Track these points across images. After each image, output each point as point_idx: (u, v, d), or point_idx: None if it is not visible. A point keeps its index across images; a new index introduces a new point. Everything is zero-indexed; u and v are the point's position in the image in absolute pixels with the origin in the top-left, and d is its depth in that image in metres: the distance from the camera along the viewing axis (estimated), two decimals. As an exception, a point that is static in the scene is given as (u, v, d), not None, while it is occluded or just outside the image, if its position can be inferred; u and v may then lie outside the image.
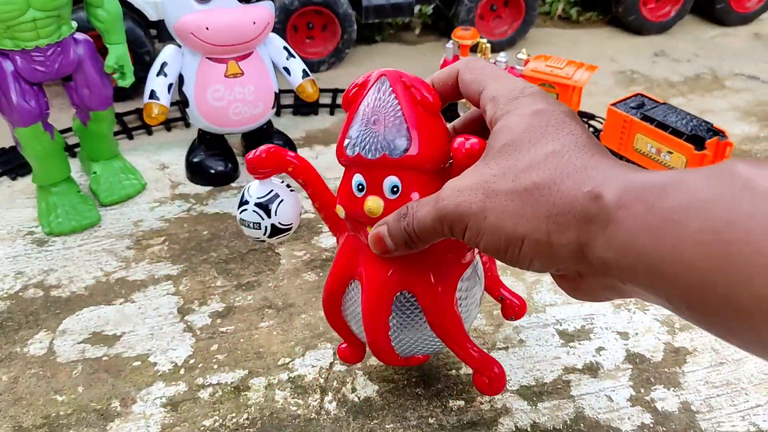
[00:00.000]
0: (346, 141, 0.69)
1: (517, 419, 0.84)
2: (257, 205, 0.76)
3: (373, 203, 0.69)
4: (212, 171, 1.29)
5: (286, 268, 1.08)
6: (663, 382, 0.89)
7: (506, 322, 0.99)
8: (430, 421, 0.84)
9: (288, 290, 1.04)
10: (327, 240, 1.14)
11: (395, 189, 0.69)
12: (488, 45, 1.49)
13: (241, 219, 0.78)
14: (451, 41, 1.46)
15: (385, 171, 0.69)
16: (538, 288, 1.05)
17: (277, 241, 0.79)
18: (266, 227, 0.77)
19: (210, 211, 1.22)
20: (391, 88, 0.68)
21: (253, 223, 0.77)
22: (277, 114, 1.53)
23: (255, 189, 0.77)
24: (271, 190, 0.76)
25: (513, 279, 1.06)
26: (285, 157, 0.74)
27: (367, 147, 0.68)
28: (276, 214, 0.76)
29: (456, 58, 1.47)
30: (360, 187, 0.70)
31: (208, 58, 1.19)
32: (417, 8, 1.83)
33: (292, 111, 1.54)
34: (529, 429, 0.83)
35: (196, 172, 1.30)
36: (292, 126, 1.49)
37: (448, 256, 0.74)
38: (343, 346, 0.86)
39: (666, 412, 0.85)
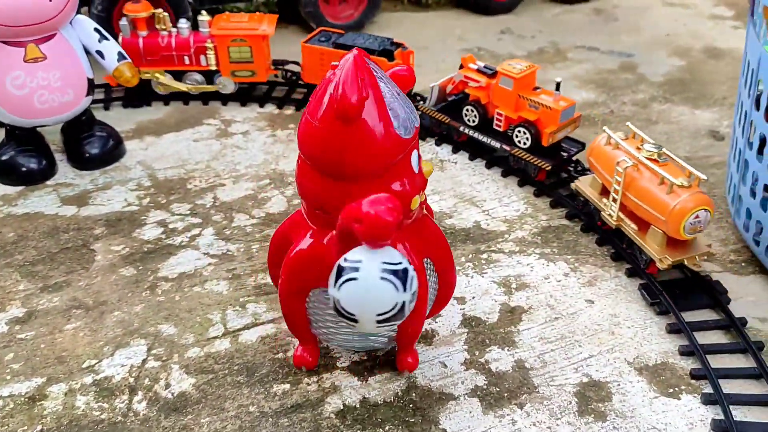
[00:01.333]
0: (398, 122, 0.64)
1: (346, 396, 0.79)
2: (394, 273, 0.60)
3: (427, 164, 0.71)
4: (24, 169, 1.17)
5: (100, 265, 0.98)
6: (498, 343, 0.86)
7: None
8: (251, 409, 0.77)
9: (101, 287, 0.94)
10: (149, 232, 1.05)
11: None
12: (165, 15, 1.37)
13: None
14: (123, 18, 1.36)
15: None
16: (375, 262, 1.00)
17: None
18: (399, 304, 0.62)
19: (18, 212, 1.10)
20: (372, 63, 0.65)
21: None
22: (106, 108, 1.42)
23: (387, 254, 0.61)
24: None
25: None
26: None
27: (412, 119, 0.66)
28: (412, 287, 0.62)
29: (134, 34, 1.36)
30: (418, 160, 0.69)
31: (3, 42, 1.07)
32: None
33: (122, 104, 1.43)
34: (357, 405, 0.78)
35: (4, 171, 1.17)
36: (122, 118, 1.37)
37: None
38: (301, 353, 0.81)
39: (500, 372, 0.82)
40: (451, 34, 1.85)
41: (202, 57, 1.38)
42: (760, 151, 0.94)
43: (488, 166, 1.23)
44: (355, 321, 0.61)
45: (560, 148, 1.17)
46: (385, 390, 0.80)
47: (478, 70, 1.23)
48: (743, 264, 1.00)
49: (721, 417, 0.76)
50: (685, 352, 0.84)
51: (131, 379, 0.80)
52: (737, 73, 1.59)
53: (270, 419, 0.76)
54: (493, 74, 1.20)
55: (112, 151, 1.23)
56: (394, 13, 2.01)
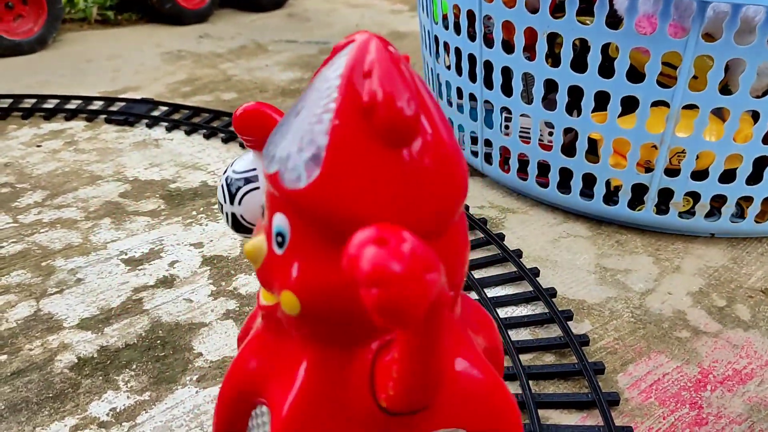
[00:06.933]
0: None
1: (80, 350, 0.68)
2: (226, 181, 0.50)
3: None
4: None
5: None
6: (244, 271, 0.82)
7: (58, 270, 0.82)
8: (-43, 389, 0.63)
9: None
10: None
11: None
12: None
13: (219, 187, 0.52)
14: None
15: None
16: (95, 230, 0.90)
17: (243, 237, 0.51)
18: (228, 215, 0.51)
19: None
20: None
21: (219, 203, 0.51)
22: None
23: (240, 161, 0.50)
24: (254, 169, 0.50)
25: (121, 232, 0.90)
26: (272, 116, 0.46)
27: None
28: (240, 204, 0.51)
29: None
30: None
31: None
32: None
33: None
34: (95, 355, 0.68)
35: None
36: None
37: None
38: None
39: (250, 294, 0.78)
40: (147, 42, 1.80)
41: None
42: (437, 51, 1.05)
43: (207, 137, 1.20)
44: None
45: None
46: (125, 335, 0.71)
47: None
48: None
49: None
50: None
51: None
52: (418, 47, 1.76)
53: (-15, 392, 0.63)
54: None
55: None
56: (81, 32, 1.89)
